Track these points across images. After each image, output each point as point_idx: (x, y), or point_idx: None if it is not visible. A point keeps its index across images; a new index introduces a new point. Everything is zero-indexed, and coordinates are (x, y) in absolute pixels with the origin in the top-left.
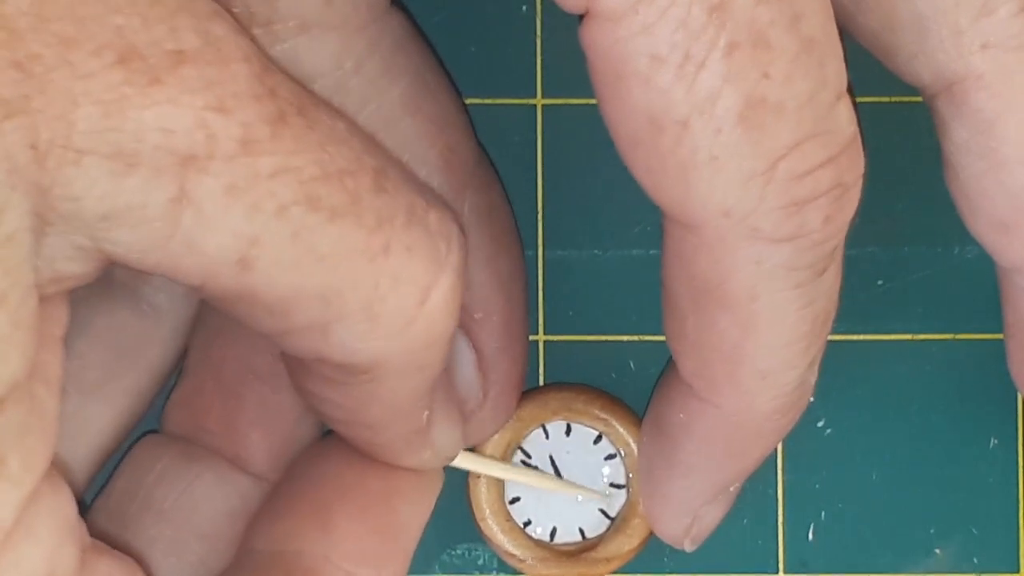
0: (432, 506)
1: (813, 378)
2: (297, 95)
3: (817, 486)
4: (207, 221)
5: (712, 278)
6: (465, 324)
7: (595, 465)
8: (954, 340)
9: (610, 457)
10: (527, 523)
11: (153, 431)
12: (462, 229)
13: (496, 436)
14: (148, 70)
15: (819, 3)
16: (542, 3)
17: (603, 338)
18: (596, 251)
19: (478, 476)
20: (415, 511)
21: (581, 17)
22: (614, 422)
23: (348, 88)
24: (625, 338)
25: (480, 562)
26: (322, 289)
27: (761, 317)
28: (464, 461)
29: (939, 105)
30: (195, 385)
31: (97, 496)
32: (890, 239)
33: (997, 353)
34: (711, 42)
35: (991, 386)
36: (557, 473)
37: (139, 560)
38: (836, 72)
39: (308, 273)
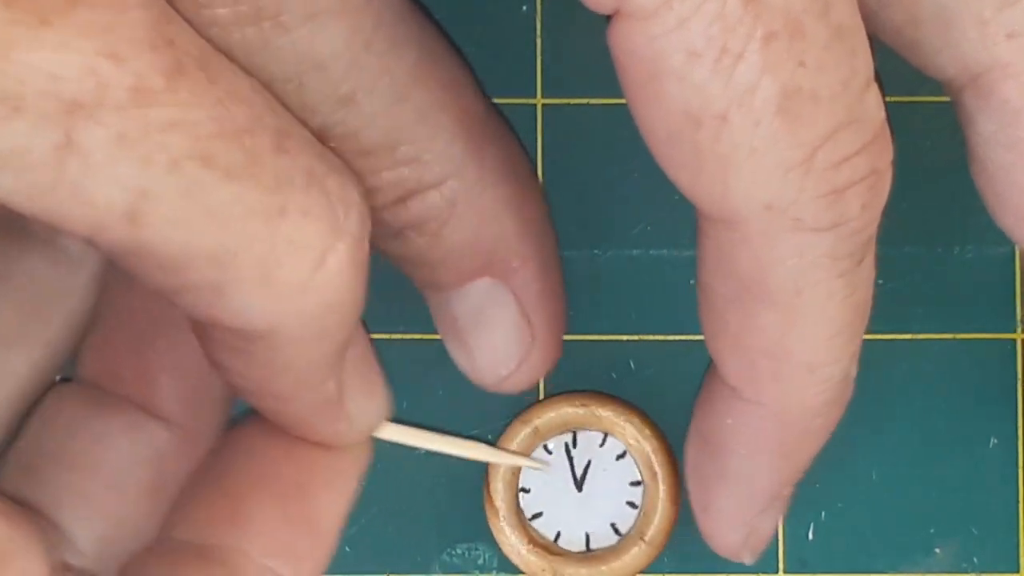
0: (353, 491)
1: (855, 371)
2: (200, 48)
3: (817, 486)
4: (94, 171)
5: (754, 274)
6: (502, 274)
7: (617, 488)
8: (954, 340)
9: (635, 484)
10: (536, 515)
11: (66, 379)
12: (363, 197)
13: (515, 446)
14: (37, 11)
15: None
16: (542, 3)
17: (603, 338)
18: (596, 251)
19: (495, 485)
20: (335, 499)
21: (608, 18)
22: (648, 447)
23: (361, 66)
24: (625, 338)
25: (480, 562)
26: (215, 248)
27: (805, 310)
28: (388, 432)
29: (965, 98)
30: (106, 331)
31: (6, 448)
32: (890, 239)
33: (997, 353)
34: (748, 33)
35: (991, 386)
36: (576, 481)
37: (48, 513)
38: (865, 59)
39: (200, 231)
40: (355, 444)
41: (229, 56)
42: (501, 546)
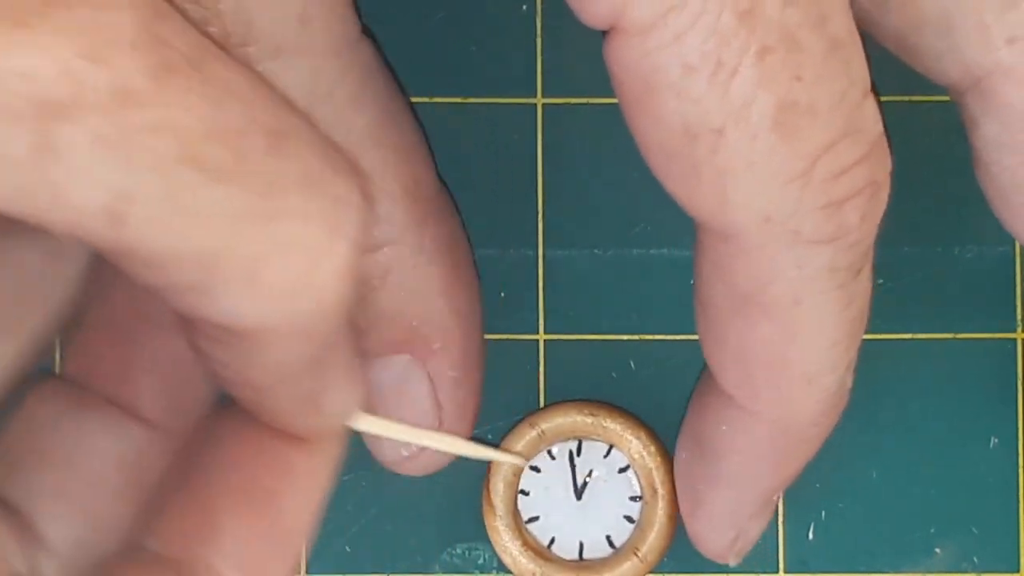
0: (323, 494)
1: (850, 380)
2: (196, 46)
3: (817, 486)
4: (73, 172)
5: (753, 286)
6: (422, 354)
7: (616, 501)
8: (954, 340)
9: (634, 499)
10: (532, 518)
11: (51, 375)
12: (366, 198)
13: (520, 449)
14: (12, 14)
15: (841, 2)
16: (542, 3)
17: (603, 338)
18: (596, 251)
19: (495, 483)
20: (304, 504)
21: (604, 33)
22: (651, 463)
23: (317, 116)
24: (625, 338)
25: (480, 561)
26: (201, 251)
27: (804, 321)
28: (362, 423)
29: (968, 102)
30: (90, 328)
31: None
32: (890, 239)
33: (997, 353)
34: (743, 48)
35: (991, 386)
36: (576, 489)
37: (23, 511)
38: (860, 70)
39: (185, 234)
40: (328, 439)
41: None
42: (494, 545)
